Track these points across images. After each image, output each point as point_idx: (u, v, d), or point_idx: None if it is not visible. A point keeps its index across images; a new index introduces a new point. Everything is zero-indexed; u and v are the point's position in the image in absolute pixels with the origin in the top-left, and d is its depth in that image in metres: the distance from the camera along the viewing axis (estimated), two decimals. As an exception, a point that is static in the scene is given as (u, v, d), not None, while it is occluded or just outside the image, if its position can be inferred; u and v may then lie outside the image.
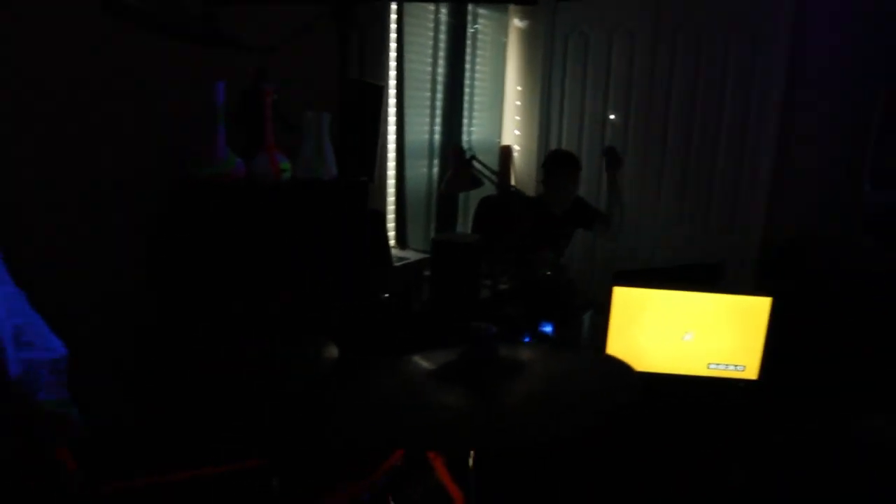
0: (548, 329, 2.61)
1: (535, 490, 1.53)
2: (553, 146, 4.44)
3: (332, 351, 1.67)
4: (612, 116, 4.32)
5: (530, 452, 1.37)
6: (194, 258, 2.00)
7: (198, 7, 1.36)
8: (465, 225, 4.10)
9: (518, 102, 4.64)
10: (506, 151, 4.58)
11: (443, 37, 3.79)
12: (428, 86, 3.75)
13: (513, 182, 4.53)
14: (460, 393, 1.00)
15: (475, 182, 3.14)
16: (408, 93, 3.43)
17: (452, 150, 3.16)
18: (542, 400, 1.00)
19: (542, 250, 2.93)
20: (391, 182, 3.46)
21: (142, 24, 1.27)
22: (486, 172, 3.17)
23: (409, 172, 3.49)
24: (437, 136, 3.82)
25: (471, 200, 4.09)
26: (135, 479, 1.34)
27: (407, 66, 3.42)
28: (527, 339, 2.52)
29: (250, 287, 1.94)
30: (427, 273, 2.70)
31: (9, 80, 1.84)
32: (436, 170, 3.84)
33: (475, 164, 3.09)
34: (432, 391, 1.03)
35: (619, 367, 1.18)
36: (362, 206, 2.28)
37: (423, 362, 1.28)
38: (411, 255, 2.67)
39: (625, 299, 2.03)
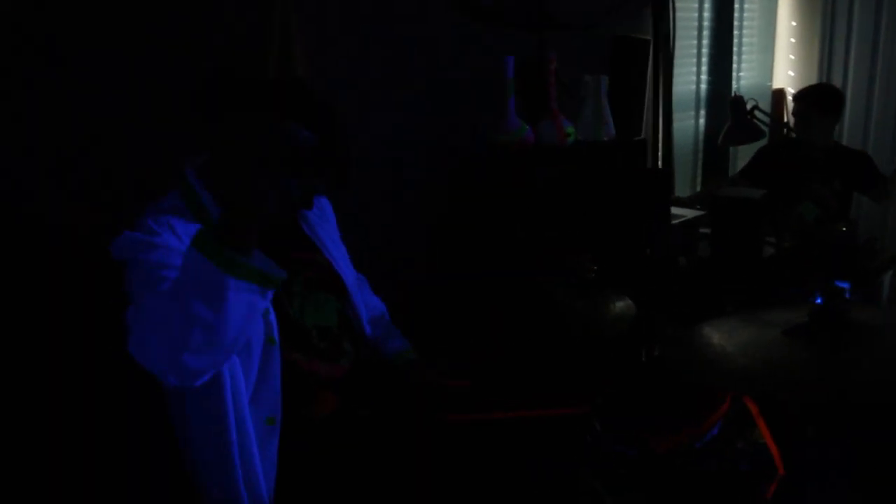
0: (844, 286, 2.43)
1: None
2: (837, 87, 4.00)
3: (631, 307, 1.76)
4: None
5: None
6: (489, 218, 2.19)
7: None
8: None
9: (793, 40, 4.23)
10: (779, 96, 4.23)
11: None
12: (693, 33, 3.59)
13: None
14: (807, 350, 1.02)
15: (756, 133, 2.98)
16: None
17: (732, 101, 3.02)
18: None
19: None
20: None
21: (490, 20, 1.42)
22: (769, 122, 2.99)
23: (675, 125, 3.40)
24: (703, 86, 3.65)
25: (739, 152, 3.87)
26: (468, 414, 1.52)
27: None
28: (818, 301, 2.38)
29: (541, 245, 2.08)
30: (704, 230, 2.65)
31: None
32: (702, 121, 3.68)
33: (756, 113, 2.92)
34: (778, 347, 1.06)
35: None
36: (642, 165, 2.30)
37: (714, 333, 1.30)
38: (687, 213, 2.63)
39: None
